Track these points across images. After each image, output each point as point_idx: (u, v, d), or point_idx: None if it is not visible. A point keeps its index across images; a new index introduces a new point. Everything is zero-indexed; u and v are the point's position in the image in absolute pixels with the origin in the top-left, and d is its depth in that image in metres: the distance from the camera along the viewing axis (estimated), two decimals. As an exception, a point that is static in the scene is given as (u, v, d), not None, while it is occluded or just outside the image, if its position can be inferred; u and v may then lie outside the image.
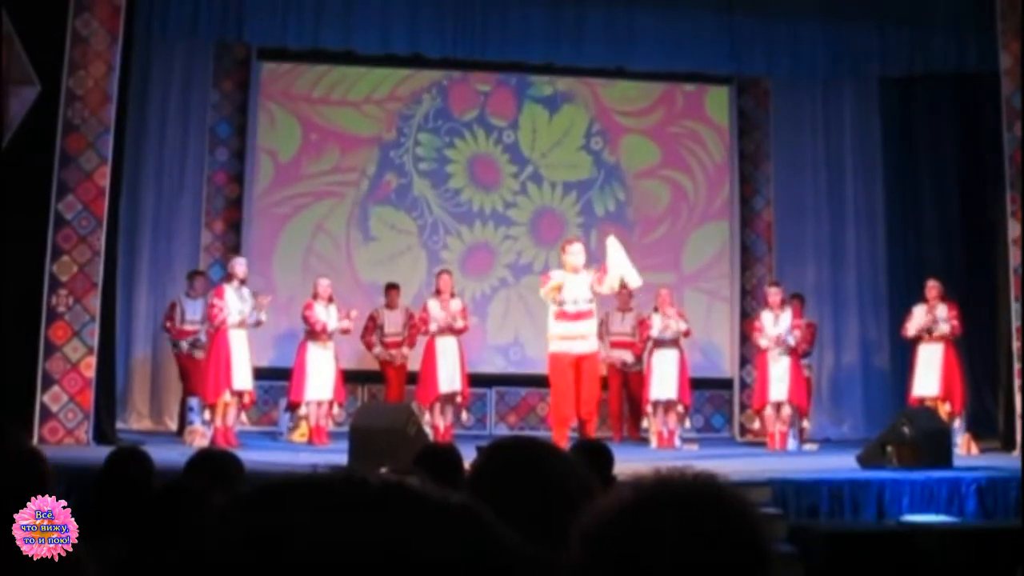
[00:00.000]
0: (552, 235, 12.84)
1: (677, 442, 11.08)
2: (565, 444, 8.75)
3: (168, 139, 12.53)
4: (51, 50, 9.88)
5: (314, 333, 10.67)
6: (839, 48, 11.98)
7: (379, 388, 12.18)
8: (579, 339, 9.53)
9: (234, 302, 10.23)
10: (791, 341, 10.99)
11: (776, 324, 11.02)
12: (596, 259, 10.58)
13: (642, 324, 11.70)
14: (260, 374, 11.86)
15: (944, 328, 10.87)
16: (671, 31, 11.72)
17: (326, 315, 10.71)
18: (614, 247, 9.63)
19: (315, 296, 10.81)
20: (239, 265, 10.48)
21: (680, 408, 11.18)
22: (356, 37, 11.51)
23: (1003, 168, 11.05)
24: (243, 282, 10.42)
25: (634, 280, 9.67)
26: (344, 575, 0.85)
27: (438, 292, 11.26)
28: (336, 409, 10.82)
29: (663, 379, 11.15)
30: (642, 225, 13.34)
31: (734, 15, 11.71)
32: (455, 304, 11.23)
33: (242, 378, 10.20)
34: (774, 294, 11.24)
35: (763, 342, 11.05)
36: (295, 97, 13.03)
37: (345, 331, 10.90)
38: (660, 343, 11.29)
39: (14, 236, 9.49)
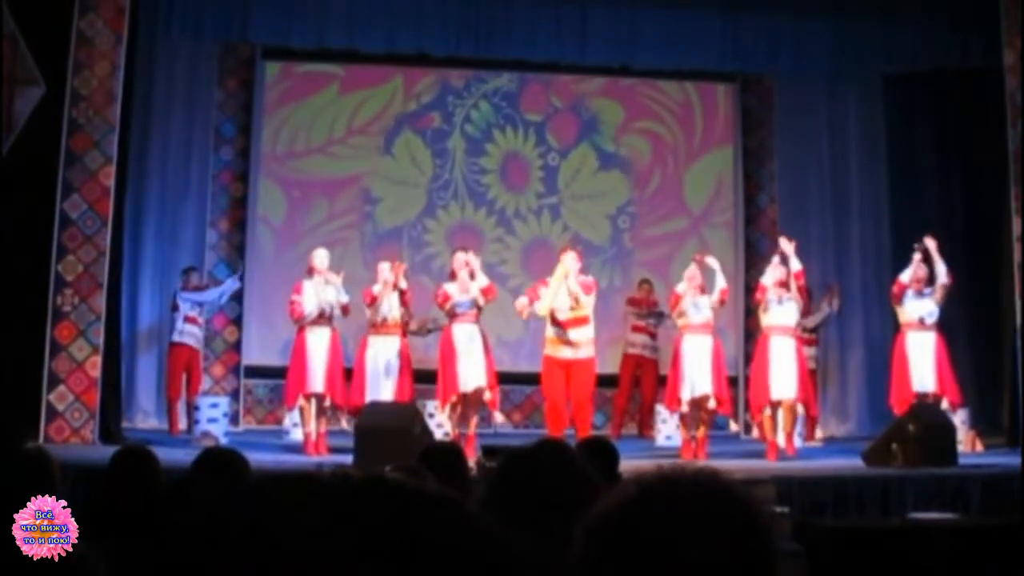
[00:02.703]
0: (538, 268, 12.80)
1: (705, 451, 9.99)
2: None
3: (173, 139, 12.55)
4: (56, 50, 9.90)
5: (374, 325, 9.81)
6: (843, 45, 11.97)
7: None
8: (569, 346, 9.49)
9: (311, 296, 9.65)
10: (789, 295, 10.00)
11: (779, 299, 10.10)
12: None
13: (673, 301, 10.21)
14: (270, 372, 11.90)
15: (942, 277, 10.28)
16: (675, 29, 11.73)
17: (387, 307, 9.80)
18: (563, 266, 9.54)
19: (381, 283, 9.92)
20: (317, 257, 9.88)
21: (712, 404, 9.84)
22: (360, 36, 11.54)
23: (1007, 165, 11.05)
24: (324, 273, 9.77)
25: (542, 308, 9.50)
26: (323, 563, 0.89)
27: (452, 275, 9.97)
28: None
29: (694, 373, 9.80)
30: (635, 175, 13.53)
31: (738, 13, 11.71)
32: (475, 286, 9.74)
33: (319, 380, 9.57)
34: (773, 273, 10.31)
35: (767, 294, 10.04)
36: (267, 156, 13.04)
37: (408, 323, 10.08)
38: (689, 328, 9.96)
39: (19, 236, 9.52)
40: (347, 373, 9.94)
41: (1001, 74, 11.10)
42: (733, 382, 13.09)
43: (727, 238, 13.53)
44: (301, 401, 9.69)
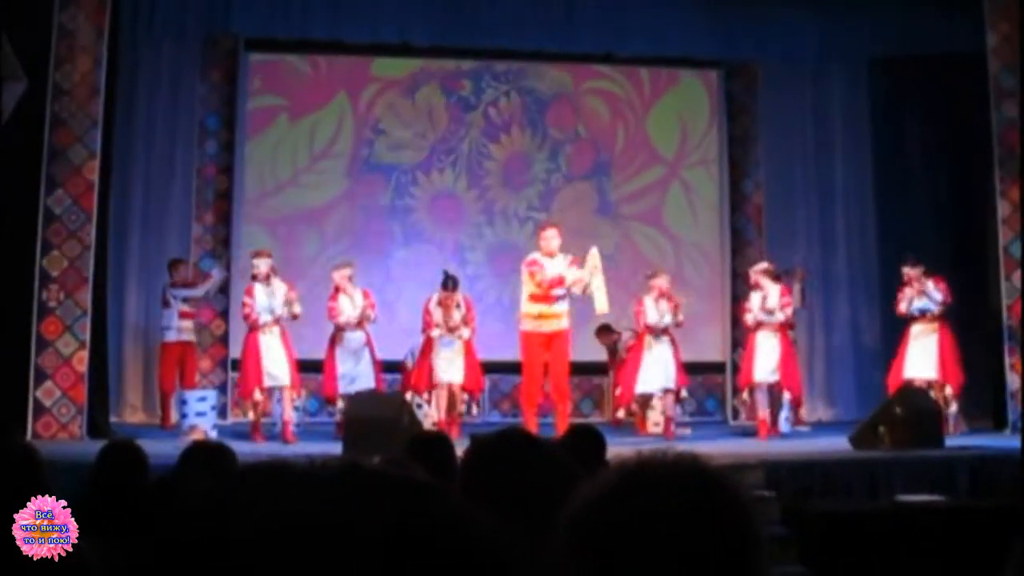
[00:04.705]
0: (499, 268, 12.83)
1: (673, 428, 10.83)
2: (534, 425, 9.03)
3: (157, 132, 12.48)
4: (37, 44, 9.84)
5: (338, 327, 10.35)
6: (827, 31, 12.00)
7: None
8: (551, 319, 9.74)
9: (263, 300, 10.07)
10: (780, 317, 10.69)
11: (764, 302, 10.78)
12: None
13: (636, 313, 10.95)
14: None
15: (935, 307, 10.67)
16: (660, 17, 11.71)
17: (351, 308, 10.34)
18: (595, 260, 9.88)
19: (337, 289, 10.43)
20: (260, 264, 10.24)
21: (683, 393, 10.94)
22: (344, 26, 11.51)
23: (992, 148, 11.07)
24: (268, 277, 10.18)
25: (601, 304, 9.82)
26: (299, 547, 0.90)
27: (441, 303, 10.49)
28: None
29: (657, 370, 10.64)
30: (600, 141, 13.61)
31: (722, 0, 11.71)
32: (458, 315, 10.48)
33: (274, 374, 10.01)
34: (758, 272, 10.99)
35: (750, 318, 10.78)
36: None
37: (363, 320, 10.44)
38: (652, 333, 10.74)
39: (4, 231, 9.49)
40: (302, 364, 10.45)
41: (985, 57, 11.11)
42: (720, 368, 13.17)
43: (709, 177, 13.59)
44: (258, 395, 10.10)
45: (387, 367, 11.63)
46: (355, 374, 10.27)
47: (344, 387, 10.23)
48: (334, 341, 10.37)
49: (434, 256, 12.72)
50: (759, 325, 10.74)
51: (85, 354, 9.86)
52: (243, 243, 12.52)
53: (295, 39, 12.03)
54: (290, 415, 10.15)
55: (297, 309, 10.17)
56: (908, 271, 10.76)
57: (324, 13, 11.29)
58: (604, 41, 12.05)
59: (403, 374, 11.32)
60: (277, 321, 10.11)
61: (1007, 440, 9.63)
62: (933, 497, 7.77)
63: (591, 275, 9.79)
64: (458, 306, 10.50)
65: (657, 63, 13.36)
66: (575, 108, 13.52)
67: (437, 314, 10.46)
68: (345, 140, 13.11)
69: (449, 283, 10.50)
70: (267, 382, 10.02)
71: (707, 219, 13.54)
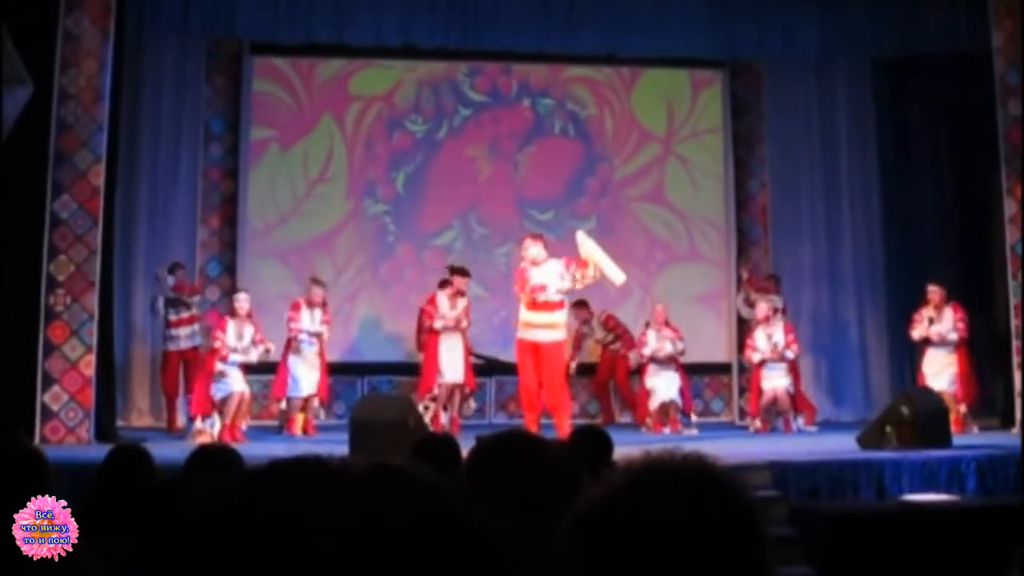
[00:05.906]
0: (503, 269, 12.81)
1: (679, 426, 11.19)
2: (535, 429, 9.09)
3: (162, 136, 12.49)
4: (42, 49, 9.85)
5: (293, 338, 10.91)
6: (831, 30, 11.98)
7: (378, 380, 12.43)
8: (542, 328, 9.71)
9: (232, 340, 10.41)
10: (790, 355, 11.17)
11: (769, 340, 11.12)
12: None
13: (639, 343, 11.61)
14: (263, 368, 11.92)
15: (952, 336, 10.85)
16: (662, 16, 11.70)
17: (309, 321, 10.89)
18: (586, 242, 9.77)
19: (305, 300, 11.02)
20: (238, 302, 10.65)
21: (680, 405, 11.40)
22: (348, 29, 11.51)
23: (998, 146, 11.05)
24: (248, 316, 10.60)
25: (617, 276, 9.74)
26: (333, 544, 0.90)
27: (448, 285, 11.10)
28: (316, 403, 11.07)
29: (663, 393, 11.19)
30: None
31: (726, -1, 11.72)
32: (462, 303, 11.09)
33: (232, 384, 10.36)
34: (763, 309, 11.37)
35: (756, 357, 11.21)
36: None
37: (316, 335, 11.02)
38: (656, 362, 11.31)
39: (10, 236, 9.49)
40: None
41: (990, 56, 11.09)
42: (726, 369, 13.16)
43: (703, 149, 13.60)
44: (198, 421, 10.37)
45: (400, 368, 12.37)
46: (307, 381, 10.86)
47: (293, 390, 10.83)
48: (288, 347, 10.89)
49: (437, 263, 12.72)
50: (764, 361, 11.22)
51: (92, 358, 9.86)
52: (261, 278, 12.48)
53: (299, 43, 12.04)
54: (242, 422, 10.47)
55: (272, 350, 10.66)
56: (932, 288, 10.97)
57: (327, 16, 11.29)
58: (606, 41, 12.02)
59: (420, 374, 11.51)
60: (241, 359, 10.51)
61: (1014, 439, 9.60)
62: (941, 497, 7.76)
63: (590, 258, 9.70)
64: (463, 294, 11.04)
65: (660, 63, 13.34)
66: (563, 98, 13.49)
67: (444, 304, 10.99)
68: (339, 162, 13.07)
69: (462, 271, 11.20)
70: (218, 394, 10.29)
71: (708, 189, 13.56)
